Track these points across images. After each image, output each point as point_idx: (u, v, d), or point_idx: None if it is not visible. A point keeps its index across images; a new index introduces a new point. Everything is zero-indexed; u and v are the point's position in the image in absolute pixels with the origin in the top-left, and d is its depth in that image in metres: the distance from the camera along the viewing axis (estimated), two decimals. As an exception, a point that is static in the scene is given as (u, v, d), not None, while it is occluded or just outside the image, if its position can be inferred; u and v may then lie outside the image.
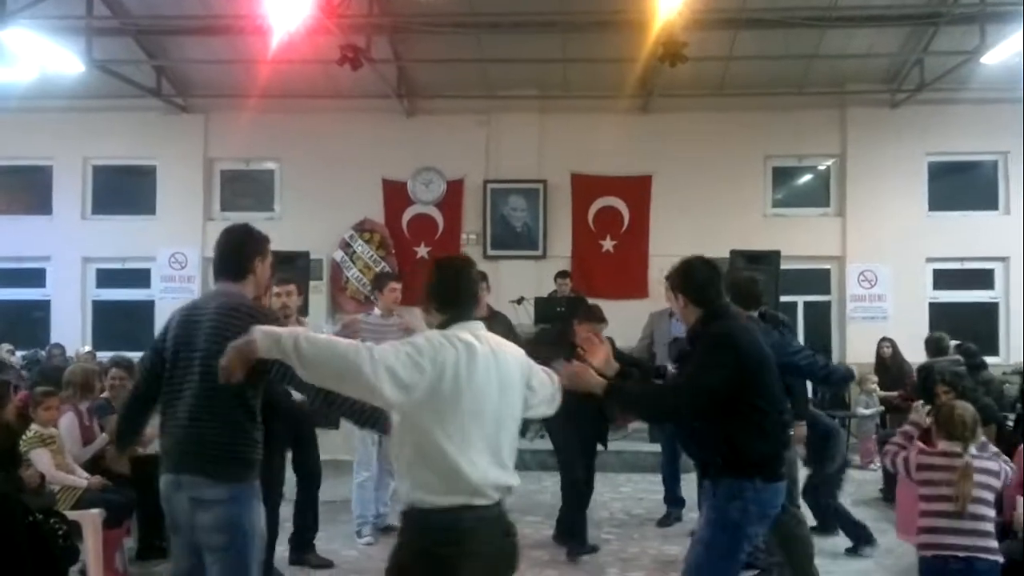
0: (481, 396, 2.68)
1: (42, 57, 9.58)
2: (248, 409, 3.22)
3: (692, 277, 3.59)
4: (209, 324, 3.21)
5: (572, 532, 6.03)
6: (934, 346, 8.32)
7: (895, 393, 9.50)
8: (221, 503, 3.15)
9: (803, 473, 5.81)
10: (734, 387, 3.31)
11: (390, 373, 2.54)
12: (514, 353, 2.87)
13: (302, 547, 5.69)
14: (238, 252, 3.42)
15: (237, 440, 3.19)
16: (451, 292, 2.84)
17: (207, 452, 3.17)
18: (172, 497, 3.25)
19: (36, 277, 12.21)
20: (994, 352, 10.92)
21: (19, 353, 10.70)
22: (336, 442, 6.83)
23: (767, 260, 9.95)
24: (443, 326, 2.77)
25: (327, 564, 5.70)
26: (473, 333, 2.76)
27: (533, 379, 2.94)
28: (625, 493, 8.00)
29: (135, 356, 7.11)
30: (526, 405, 2.89)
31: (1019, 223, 11.18)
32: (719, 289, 3.59)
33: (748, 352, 3.39)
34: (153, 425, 6.22)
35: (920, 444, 4.22)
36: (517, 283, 10.30)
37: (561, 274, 10.19)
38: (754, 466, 3.33)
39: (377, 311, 6.40)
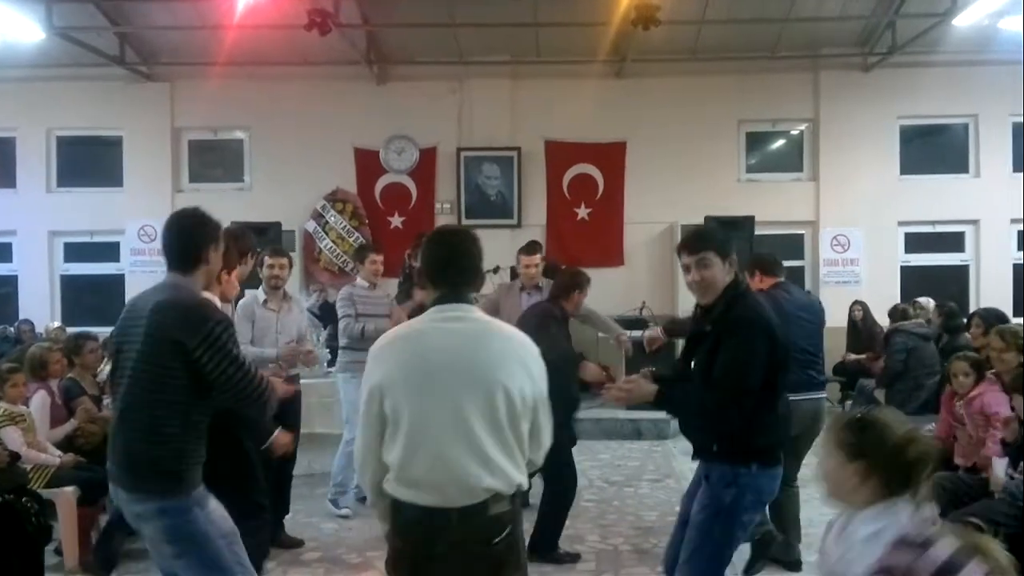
0: (433, 385, 2.51)
1: (0, 24, 9.30)
2: (185, 422, 3.00)
3: (723, 237, 3.39)
4: (144, 323, 2.99)
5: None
6: (899, 315, 8.76)
7: (864, 356, 9.71)
8: (157, 517, 2.99)
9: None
10: (767, 372, 3.12)
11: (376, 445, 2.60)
12: (508, 344, 2.61)
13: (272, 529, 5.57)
14: (189, 241, 3.17)
15: (164, 453, 2.97)
16: (437, 268, 2.68)
17: (132, 465, 3.01)
18: (121, 505, 3.16)
19: (2, 252, 11.96)
20: (965, 315, 11.04)
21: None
22: (313, 415, 6.78)
23: (741, 225, 10.01)
24: (432, 304, 2.68)
25: (298, 544, 5.59)
26: (451, 316, 2.60)
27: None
28: (603, 460, 8.06)
29: (104, 332, 7.06)
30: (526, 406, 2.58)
31: (989, 186, 11.30)
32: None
33: (775, 336, 3.19)
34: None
35: None
36: (492, 252, 10.05)
37: (532, 243, 10.10)
38: (753, 452, 3.17)
39: (362, 281, 6.44)
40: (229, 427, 3.77)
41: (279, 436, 4.24)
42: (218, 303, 4.02)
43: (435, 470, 2.49)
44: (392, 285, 9.70)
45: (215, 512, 3.10)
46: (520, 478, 2.57)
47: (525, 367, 2.59)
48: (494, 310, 6.52)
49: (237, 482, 3.93)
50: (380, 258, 6.50)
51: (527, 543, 4.55)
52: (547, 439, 2.70)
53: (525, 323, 4.83)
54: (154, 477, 2.98)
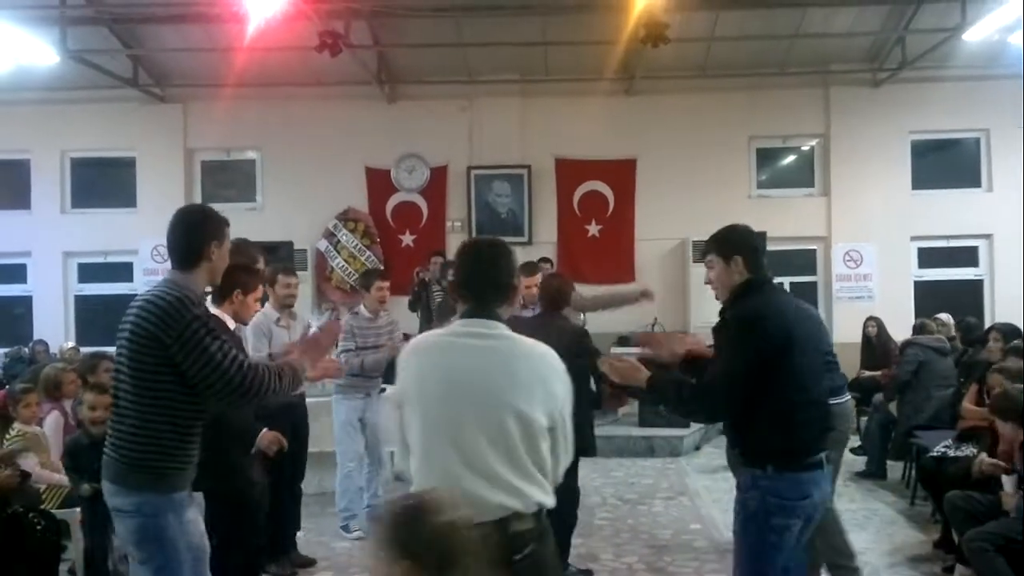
0: (444, 401, 2.46)
1: (16, 48, 9.42)
2: (173, 421, 2.96)
3: (726, 238, 3.40)
4: (129, 319, 2.99)
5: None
6: (919, 329, 8.56)
7: (879, 372, 9.60)
8: (131, 514, 2.95)
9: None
10: (761, 372, 3.05)
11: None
12: (529, 362, 2.51)
13: (284, 545, 5.49)
14: (190, 236, 3.13)
15: (149, 449, 2.93)
16: (466, 280, 2.60)
17: (116, 457, 2.98)
18: (106, 499, 3.06)
19: (17, 273, 12.06)
20: (981, 329, 10.97)
21: (1, 350, 10.61)
22: (321, 434, 6.76)
23: (753, 241, 9.95)
24: (460, 317, 2.61)
25: (310, 563, 5.55)
26: (475, 331, 2.51)
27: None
28: (617, 478, 8.00)
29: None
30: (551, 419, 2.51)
31: (1002, 200, 11.24)
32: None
33: (770, 333, 3.09)
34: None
35: None
36: (503, 269, 10.20)
37: (543, 260, 10.16)
38: (767, 454, 3.11)
39: (364, 310, 6.19)
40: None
41: (264, 435, 4.25)
42: (231, 324, 4.03)
43: (445, 485, 2.43)
44: (401, 304, 9.77)
45: (191, 524, 3.03)
46: (541, 496, 2.47)
47: (547, 386, 2.50)
48: None
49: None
50: (387, 284, 6.25)
51: None
52: (566, 456, 2.61)
53: (564, 341, 4.80)
54: (136, 471, 2.94)
